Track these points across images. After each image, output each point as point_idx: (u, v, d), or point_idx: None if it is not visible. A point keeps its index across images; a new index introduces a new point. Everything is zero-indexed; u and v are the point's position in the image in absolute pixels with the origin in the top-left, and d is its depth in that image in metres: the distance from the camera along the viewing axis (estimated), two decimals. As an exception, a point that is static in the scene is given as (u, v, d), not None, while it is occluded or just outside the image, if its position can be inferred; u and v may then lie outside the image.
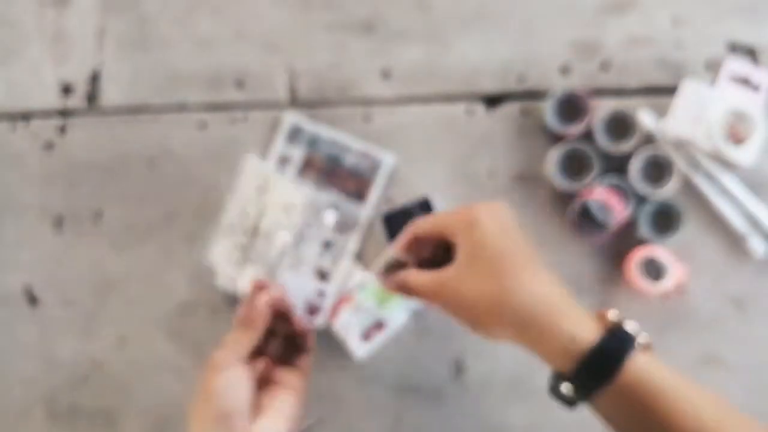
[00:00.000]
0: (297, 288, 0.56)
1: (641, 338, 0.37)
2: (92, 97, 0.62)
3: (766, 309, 0.56)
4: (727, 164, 0.56)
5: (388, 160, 0.58)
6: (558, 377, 0.39)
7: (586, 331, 0.37)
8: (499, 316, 0.38)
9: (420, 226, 0.43)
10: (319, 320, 0.57)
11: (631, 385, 0.36)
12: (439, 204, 0.57)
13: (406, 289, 0.43)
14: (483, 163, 0.59)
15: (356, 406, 0.58)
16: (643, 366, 0.36)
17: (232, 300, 0.58)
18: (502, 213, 0.41)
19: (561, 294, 0.39)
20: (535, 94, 0.59)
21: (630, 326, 0.37)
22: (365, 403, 0.57)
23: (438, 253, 0.44)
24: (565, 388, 0.38)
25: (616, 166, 0.57)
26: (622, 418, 0.37)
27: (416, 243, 0.44)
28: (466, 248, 0.40)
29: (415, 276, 0.42)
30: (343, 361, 0.57)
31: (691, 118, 0.56)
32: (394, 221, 0.57)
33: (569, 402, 0.39)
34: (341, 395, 0.57)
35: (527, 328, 0.38)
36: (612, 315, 0.38)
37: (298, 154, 0.59)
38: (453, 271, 0.40)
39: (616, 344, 0.36)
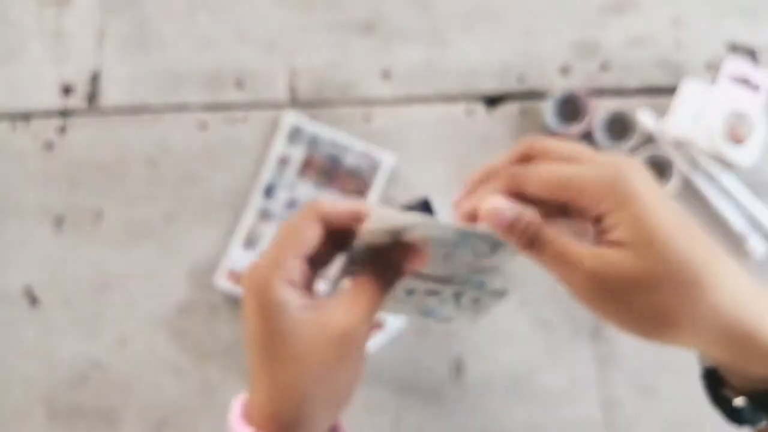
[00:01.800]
0: None
1: None
2: (92, 97, 0.62)
3: (766, 309, 0.56)
4: (727, 164, 0.56)
5: (388, 160, 0.58)
6: (728, 388, 0.31)
7: None
8: (687, 324, 0.28)
9: (529, 183, 0.31)
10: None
11: None
12: (439, 204, 0.57)
13: (540, 245, 0.30)
14: (483, 163, 0.59)
15: (356, 405, 0.57)
16: None
17: (232, 300, 0.58)
18: (651, 178, 0.30)
19: (756, 290, 0.30)
20: (535, 94, 0.59)
21: None
22: (365, 402, 0.57)
23: None
24: (741, 401, 0.30)
25: (616, 166, 0.57)
26: None
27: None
28: (635, 222, 0.28)
29: (560, 235, 0.30)
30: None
31: (691, 118, 0.56)
32: None
33: (733, 417, 0.31)
34: None
35: (727, 342, 0.29)
36: None
37: (298, 154, 0.59)
38: (625, 248, 0.28)
39: None
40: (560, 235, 0.30)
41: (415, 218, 0.32)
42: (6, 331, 0.61)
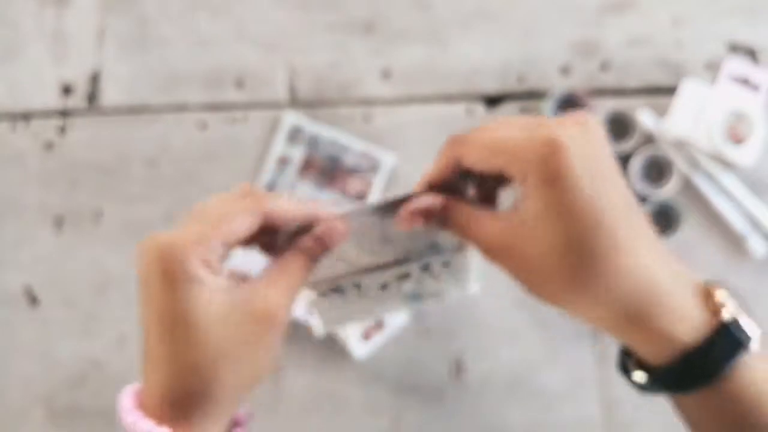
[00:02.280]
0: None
1: (756, 337, 0.28)
2: (92, 97, 0.62)
3: (766, 309, 0.55)
4: (727, 164, 0.56)
5: (388, 160, 0.58)
6: (633, 362, 0.31)
7: (689, 330, 0.28)
8: (585, 295, 0.28)
9: (466, 151, 0.30)
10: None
11: (731, 392, 0.28)
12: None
13: (449, 223, 0.32)
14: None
15: (356, 405, 0.57)
16: (752, 373, 0.28)
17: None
18: (597, 146, 0.28)
19: (667, 274, 0.29)
20: (535, 94, 0.59)
21: (744, 321, 0.28)
22: (365, 402, 0.57)
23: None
24: (640, 377, 0.30)
25: (616, 165, 0.57)
26: (713, 425, 0.29)
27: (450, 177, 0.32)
28: (547, 201, 0.28)
29: (478, 217, 0.31)
30: (343, 361, 0.57)
31: (691, 118, 0.56)
32: None
33: (640, 388, 0.31)
34: (341, 395, 0.57)
35: (620, 317, 0.29)
36: (723, 302, 0.29)
37: (298, 154, 0.59)
38: (532, 223, 0.28)
39: (721, 350, 0.28)
40: (465, 208, 0.31)
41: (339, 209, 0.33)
42: (5, 331, 0.61)
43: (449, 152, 0.32)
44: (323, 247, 0.32)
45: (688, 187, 0.56)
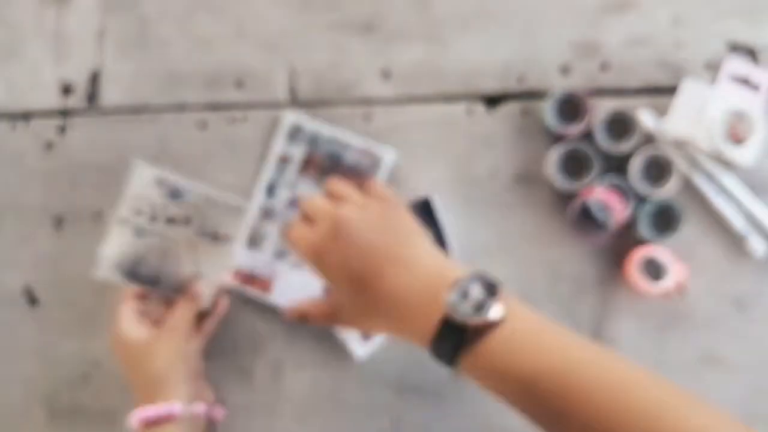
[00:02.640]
0: (300, 286, 0.56)
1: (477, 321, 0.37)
2: (92, 96, 0.62)
3: (766, 308, 0.56)
4: (727, 164, 0.56)
5: (388, 156, 0.58)
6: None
7: (427, 331, 0.39)
8: (370, 320, 0.43)
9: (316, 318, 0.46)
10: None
11: (478, 362, 0.37)
12: (441, 204, 0.57)
13: (307, 321, 0.46)
14: (483, 163, 0.59)
15: (357, 405, 0.58)
16: (488, 345, 0.37)
17: (234, 298, 0.58)
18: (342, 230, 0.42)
19: (416, 289, 0.40)
20: (535, 94, 0.59)
21: (462, 311, 0.38)
22: (365, 402, 0.57)
23: None
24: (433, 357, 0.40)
25: (616, 166, 0.57)
26: (486, 383, 0.38)
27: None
28: (331, 283, 0.43)
29: (312, 308, 0.46)
30: (343, 361, 0.57)
31: (691, 118, 0.56)
32: None
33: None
34: (341, 395, 0.57)
35: (390, 323, 0.42)
36: (446, 302, 0.38)
37: (298, 153, 0.59)
38: (334, 297, 0.45)
39: (446, 344, 0.38)
40: (316, 307, 0.45)
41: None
42: (6, 331, 0.61)
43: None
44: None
45: (689, 187, 0.56)
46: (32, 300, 0.61)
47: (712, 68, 0.58)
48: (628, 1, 0.59)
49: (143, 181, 0.57)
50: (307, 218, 0.43)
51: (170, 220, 0.58)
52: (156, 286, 0.57)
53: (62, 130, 0.62)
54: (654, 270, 0.55)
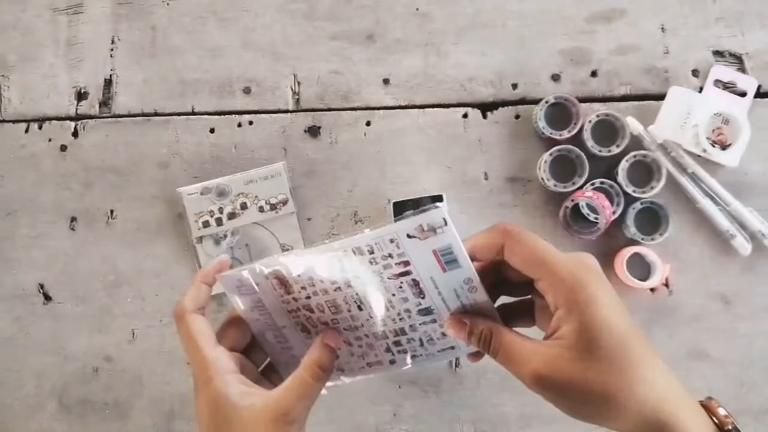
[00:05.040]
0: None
1: None
2: (105, 102, 0.63)
3: (750, 305, 0.57)
4: (713, 167, 0.57)
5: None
6: None
7: None
8: (617, 412, 0.32)
9: (510, 244, 0.34)
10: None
11: None
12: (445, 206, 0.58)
13: (493, 350, 0.35)
14: (479, 166, 0.60)
15: (359, 396, 0.59)
16: None
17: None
18: (612, 289, 0.33)
19: (677, 386, 0.33)
20: (528, 101, 0.60)
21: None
22: (367, 393, 0.58)
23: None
24: None
25: (606, 168, 0.58)
26: None
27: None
28: (581, 326, 0.32)
29: (511, 338, 0.34)
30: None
31: (678, 123, 0.57)
32: (404, 208, 0.57)
33: None
34: (344, 387, 0.58)
35: (648, 427, 0.32)
36: (727, 415, 0.33)
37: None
38: (567, 350, 0.32)
39: None
40: (511, 337, 0.34)
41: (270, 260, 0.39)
42: (20, 327, 0.61)
43: (497, 236, 0.35)
44: (329, 353, 0.39)
45: (676, 189, 0.57)
46: (46, 297, 0.61)
47: (699, 74, 0.59)
48: (616, 10, 0.60)
49: (192, 199, 0.59)
50: None
51: (232, 215, 0.59)
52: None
53: (76, 133, 0.63)
54: (641, 268, 0.56)
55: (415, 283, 0.35)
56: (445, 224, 0.32)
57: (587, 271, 0.33)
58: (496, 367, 0.56)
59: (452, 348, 0.38)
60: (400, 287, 0.36)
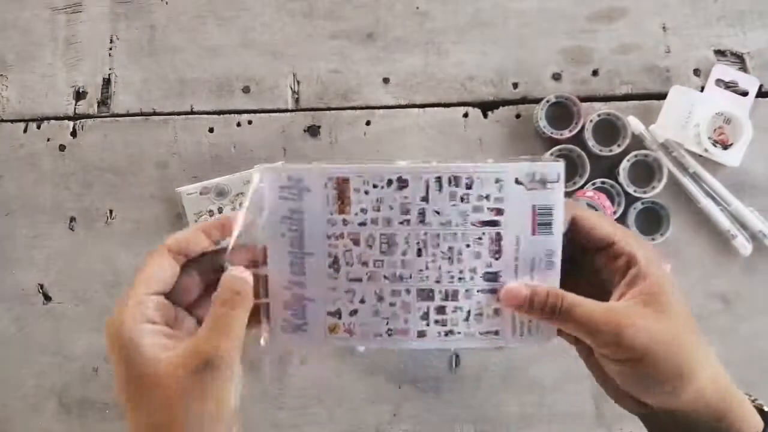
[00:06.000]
0: None
1: None
2: (103, 101, 0.63)
3: (751, 305, 0.57)
4: (714, 166, 0.57)
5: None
6: None
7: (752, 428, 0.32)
8: (689, 383, 0.31)
9: (581, 212, 0.33)
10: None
11: None
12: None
13: (563, 315, 0.32)
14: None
15: (359, 395, 0.59)
16: None
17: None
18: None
19: (727, 379, 0.33)
20: (529, 100, 0.60)
21: None
22: (367, 393, 0.58)
23: None
24: None
25: (607, 168, 0.58)
26: None
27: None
28: (659, 280, 0.32)
29: (582, 301, 0.32)
30: (346, 354, 0.58)
31: (679, 122, 0.57)
32: None
33: None
34: (345, 385, 0.58)
35: (708, 408, 0.31)
36: (761, 402, 0.34)
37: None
38: (647, 309, 0.31)
39: None
40: (581, 300, 0.32)
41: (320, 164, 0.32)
42: (20, 326, 0.61)
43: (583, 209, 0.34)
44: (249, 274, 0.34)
45: (677, 189, 0.57)
46: (45, 297, 0.61)
47: (701, 74, 0.59)
48: (617, 9, 0.60)
49: (191, 199, 0.59)
50: None
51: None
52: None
53: (75, 133, 0.63)
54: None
55: (498, 239, 0.32)
56: (557, 181, 0.31)
57: (653, 252, 0.34)
58: (497, 366, 0.58)
59: (496, 334, 0.34)
60: (479, 239, 0.32)
